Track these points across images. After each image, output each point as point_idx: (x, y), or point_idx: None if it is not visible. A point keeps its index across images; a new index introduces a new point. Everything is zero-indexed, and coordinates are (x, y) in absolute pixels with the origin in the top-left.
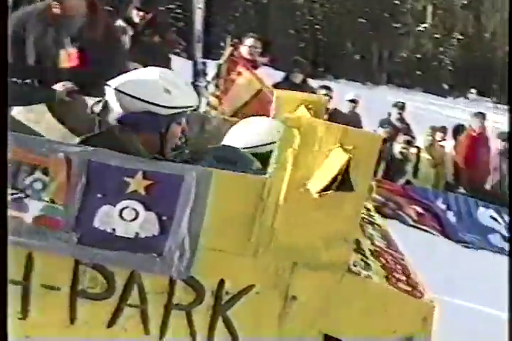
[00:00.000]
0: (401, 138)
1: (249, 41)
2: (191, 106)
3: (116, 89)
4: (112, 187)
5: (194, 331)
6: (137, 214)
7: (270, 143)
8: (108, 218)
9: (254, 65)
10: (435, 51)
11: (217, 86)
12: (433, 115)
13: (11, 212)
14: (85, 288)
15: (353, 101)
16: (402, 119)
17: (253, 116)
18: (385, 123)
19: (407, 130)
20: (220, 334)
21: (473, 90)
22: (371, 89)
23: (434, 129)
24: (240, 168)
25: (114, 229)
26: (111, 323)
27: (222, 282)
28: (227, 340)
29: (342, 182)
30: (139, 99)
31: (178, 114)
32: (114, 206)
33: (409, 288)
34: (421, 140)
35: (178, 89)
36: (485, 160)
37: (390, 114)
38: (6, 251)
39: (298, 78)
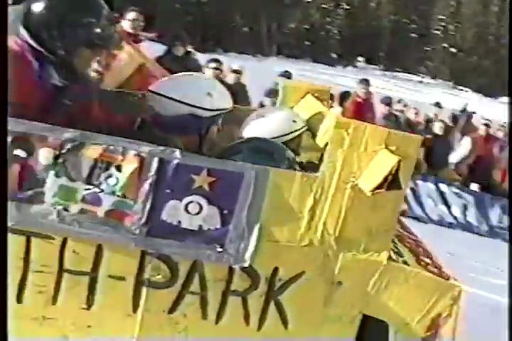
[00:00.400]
0: None
1: (131, 15)
2: (228, 108)
3: (158, 93)
4: (179, 184)
5: (248, 314)
6: (201, 208)
7: (289, 133)
8: (175, 211)
9: (136, 39)
10: (323, 21)
11: (98, 61)
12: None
13: (85, 206)
14: (149, 277)
15: (236, 71)
16: None
17: (136, 90)
18: (271, 93)
19: None
20: (271, 316)
21: (360, 58)
22: (260, 62)
23: None
24: (278, 159)
25: (179, 222)
26: (171, 310)
27: (275, 269)
28: (277, 322)
29: (392, 181)
30: (184, 102)
31: (217, 116)
32: (181, 201)
33: (437, 270)
34: None
35: (217, 91)
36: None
37: (277, 84)
38: (5, 252)
39: (180, 51)
